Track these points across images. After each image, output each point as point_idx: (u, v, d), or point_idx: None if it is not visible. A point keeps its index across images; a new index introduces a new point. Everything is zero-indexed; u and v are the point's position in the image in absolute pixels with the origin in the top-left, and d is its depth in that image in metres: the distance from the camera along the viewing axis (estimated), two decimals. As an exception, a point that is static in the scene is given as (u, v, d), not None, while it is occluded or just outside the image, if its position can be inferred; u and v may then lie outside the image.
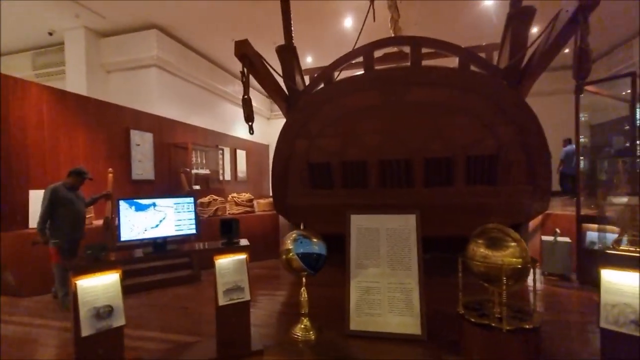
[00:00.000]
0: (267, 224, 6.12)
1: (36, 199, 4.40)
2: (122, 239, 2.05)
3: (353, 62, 4.48)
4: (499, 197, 4.18)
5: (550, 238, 4.12)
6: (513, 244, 2.17)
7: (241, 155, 10.50)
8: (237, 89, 10.84)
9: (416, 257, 2.63)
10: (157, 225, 2.18)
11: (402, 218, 2.76)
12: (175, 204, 2.29)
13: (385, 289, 2.63)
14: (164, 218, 2.22)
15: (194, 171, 7.55)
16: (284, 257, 2.58)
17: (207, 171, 8.09)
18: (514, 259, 2.08)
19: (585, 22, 2.40)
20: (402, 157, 4.18)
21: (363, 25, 4.88)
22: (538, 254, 4.30)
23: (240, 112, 11.71)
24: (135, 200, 2.14)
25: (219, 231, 2.38)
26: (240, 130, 11.18)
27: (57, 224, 3.35)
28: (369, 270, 2.70)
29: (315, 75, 4.44)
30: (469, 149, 3.98)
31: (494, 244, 2.19)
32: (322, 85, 4.26)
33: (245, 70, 3.41)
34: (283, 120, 13.01)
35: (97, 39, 7.22)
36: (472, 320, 2.16)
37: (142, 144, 6.36)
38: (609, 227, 3.42)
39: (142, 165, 6.36)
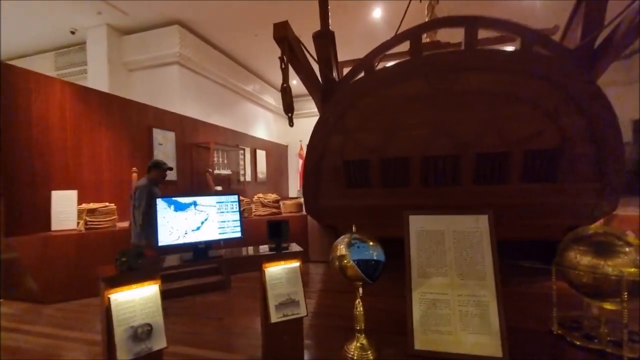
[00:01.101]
0: (295, 226, 5.79)
1: (58, 200, 4.20)
2: (160, 243, 1.75)
3: (388, 52, 4.13)
4: (560, 196, 3.74)
5: (622, 242, 3.64)
6: (628, 249, 1.77)
7: (261, 155, 10.26)
8: (257, 87, 10.62)
9: (492, 264, 2.25)
10: (198, 228, 1.88)
11: (471, 219, 2.38)
12: (218, 203, 1.98)
13: (455, 302, 2.25)
14: (206, 219, 1.91)
15: (215, 171, 7.32)
16: (336, 264, 2.24)
17: (228, 172, 7.85)
18: (634, 269, 1.68)
19: None
20: (449, 153, 3.80)
21: (407, 7, 4.48)
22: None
23: (260, 111, 11.48)
24: (174, 198, 1.84)
25: (267, 234, 2.06)
26: (259, 130, 10.95)
27: (148, 224, 3.11)
28: (433, 279, 2.33)
29: (355, 64, 4.10)
30: (527, 143, 3.57)
31: (604, 250, 1.80)
32: (361, 75, 3.90)
33: (284, 55, 3.09)
34: (303, 120, 12.70)
35: (119, 37, 7.08)
36: (577, 343, 1.77)
37: (164, 144, 6.15)
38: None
39: (165, 165, 6.14)
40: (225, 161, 7.93)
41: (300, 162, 12.13)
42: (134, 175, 4.52)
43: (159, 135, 6.01)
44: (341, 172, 4.39)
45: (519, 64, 3.17)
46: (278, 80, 11.36)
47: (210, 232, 1.91)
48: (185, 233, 1.83)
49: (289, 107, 3.12)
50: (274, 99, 11.72)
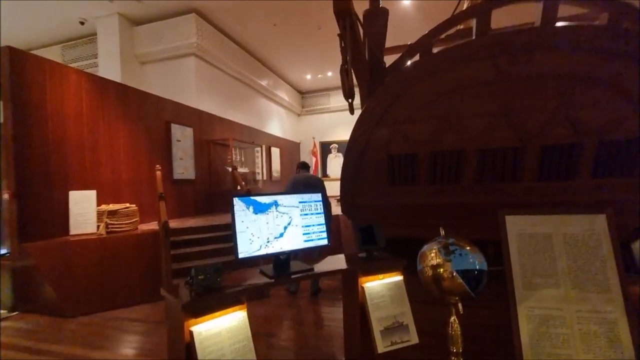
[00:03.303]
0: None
1: (77, 201, 3.83)
2: (241, 255, 1.38)
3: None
4: (632, 193, 3.37)
5: None
6: None
7: (275, 153, 9.88)
8: (271, 82, 10.21)
9: (616, 273, 1.88)
10: (281, 234, 1.50)
11: (585, 219, 2.00)
12: (301, 202, 1.61)
13: (573, 319, 1.88)
14: (289, 223, 1.54)
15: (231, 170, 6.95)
16: (429, 274, 1.86)
17: (245, 170, 7.47)
18: None
19: None
20: (510, 145, 3.42)
21: None
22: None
23: (273, 107, 11.08)
24: (252, 198, 1.46)
25: (357, 241, 1.69)
26: (273, 126, 10.56)
27: None
28: (543, 292, 1.95)
29: (408, 47, 3.72)
30: (603, 133, 3.19)
31: None
32: (415, 59, 3.51)
33: (346, 30, 2.70)
34: (315, 117, 12.31)
35: (131, 27, 6.67)
36: None
37: (182, 140, 5.76)
38: None
39: (183, 164, 5.76)
40: (243, 159, 7.56)
41: (314, 159, 11.75)
42: (158, 173, 4.15)
43: (177, 131, 5.63)
44: (385, 167, 4.00)
45: (605, 42, 2.79)
46: (292, 75, 11.02)
47: (295, 240, 1.53)
48: (268, 241, 1.46)
49: (350, 92, 2.74)
50: (287, 95, 11.33)
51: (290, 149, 11.36)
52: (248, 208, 1.44)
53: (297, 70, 10.46)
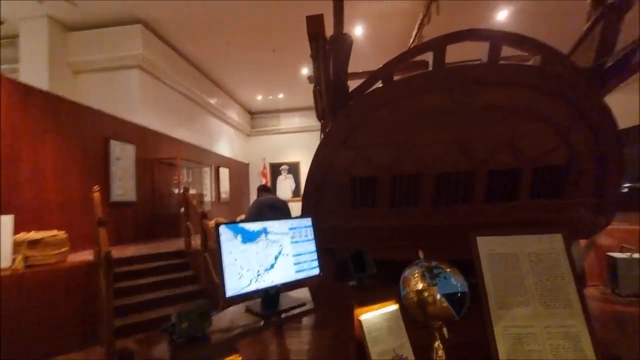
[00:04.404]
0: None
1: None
2: (229, 293, 1.19)
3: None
4: (564, 212, 3.82)
5: (623, 255, 3.80)
6: None
7: (224, 174, 9.45)
8: (221, 101, 9.88)
9: (575, 289, 2.03)
10: (272, 266, 1.34)
11: (544, 239, 2.16)
12: (291, 229, 1.47)
13: (543, 335, 1.97)
14: (279, 252, 1.39)
15: (179, 191, 6.42)
16: (414, 299, 1.83)
17: (194, 191, 6.98)
18: None
19: None
20: (463, 170, 3.68)
21: (420, 26, 4.41)
22: (598, 271, 3.98)
23: (223, 126, 10.69)
24: (240, 225, 1.30)
25: (337, 270, 1.60)
26: (222, 146, 10.13)
27: None
28: (515, 310, 2.03)
29: (370, 74, 3.85)
30: (539, 160, 3.60)
31: None
32: (377, 86, 3.64)
33: (320, 52, 2.69)
34: (266, 137, 12.15)
35: (64, 32, 5.97)
36: None
37: (123, 158, 5.19)
38: None
39: (123, 184, 5.16)
40: (190, 179, 7.06)
41: (264, 181, 11.48)
42: (96, 195, 3.63)
43: (117, 149, 5.06)
44: (347, 190, 4.02)
45: (539, 81, 3.18)
46: (242, 94, 10.82)
47: (286, 271, 1.38)
48: (258, 274, 1.29)
49: (322, 113, 2.71)
50: (236, 114, 11.04)
51: (239, 169, 10.98)
52: (236, 237, 1.27)
53: (248, 91, 10.32)
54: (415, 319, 1.78)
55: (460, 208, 4.07)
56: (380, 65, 3.99)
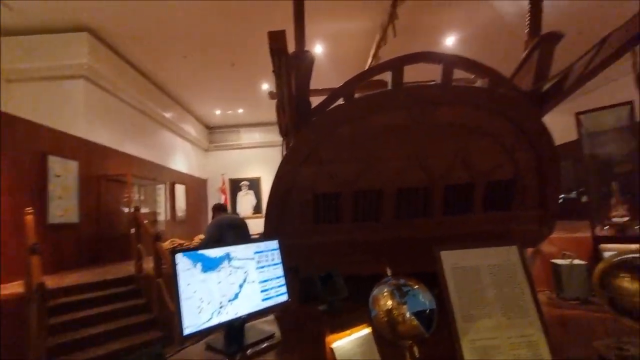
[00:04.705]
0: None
1: None
2: (187, 331, 1.05)
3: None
4: (512, 224, 4.09)
5: (565, 261, 4.12)
6: None
7: (180, 190, 8.97)
8: (177, 115, 9.47)
9: (531, 298, 2.13)
10: (236, 295, 1.23)
11: (502, 251, 2.26)
12: (256, 253, 1.37)
13: (506, 346, 2.02)
14: (244, 280, 1.28)
15: (129, 209, 5.94)
16: (383, 319, 1.79)
17: (146, 210, 6.50)
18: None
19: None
20: (422, 185, 3.81)
21: (378, 47, 4.56)
22: (544, 277, 4.28)
23: (179, 141, 10.23)
24: (200, 252, 1.18)
25: (303, 292, 1.52)
26: (178, 162, 9.64)
27: None
28: (480, 322, 2.07)
29: (332, 91, 3.88)
30: (489, 175, 3.84)
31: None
32: (338, 103, 3.69)
33: (282, 68, 2.65)
34: (225, 153, 11.81)
35: (-5, 37, 5.39)
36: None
37: (63, 175, 4.70)
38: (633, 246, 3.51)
39: (64, 204, 4.66)
40: (142, 197, 6.59)
41: (223, 197, 11.08)
42: (29, 218, 3.21)
43: (56, 165, 4.58)
44: (310, 206, 3.97)
45: (487, 102, 3.42)
46: (200, 108, 10.46)
47: (252, 300, 1.27)
48: (221, 306, 1.17)
49: (286, 129, 2.65)
50: (193, 129, 10.63)
51: (196, 186, 10.50)
52: (195, 265, 1.14)
53: (207, 105, 10.02)
54: (386, 340, 1.74)
55: (420, 222, 4.19)
56: (340, 83, 4.06)
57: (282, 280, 1.43)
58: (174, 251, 1.11)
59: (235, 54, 6.95)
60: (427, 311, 1.82)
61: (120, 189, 5.88)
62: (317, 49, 6.92)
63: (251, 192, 11.55)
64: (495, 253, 2.15)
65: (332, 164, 3.94)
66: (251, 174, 11.67)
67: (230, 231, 3.69)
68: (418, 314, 1.76)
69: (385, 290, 1.90)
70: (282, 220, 3.96)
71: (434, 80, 4.04)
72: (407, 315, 1.73)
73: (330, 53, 7.16)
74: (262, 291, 1.32)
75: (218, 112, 10.59)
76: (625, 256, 1.94)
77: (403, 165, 3.94)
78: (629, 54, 2.71)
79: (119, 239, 5.62)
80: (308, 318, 1.49)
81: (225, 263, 1.24)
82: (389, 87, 3.76)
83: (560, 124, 3.55)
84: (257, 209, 11.47)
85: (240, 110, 10.64)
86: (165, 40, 6.30)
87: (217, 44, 6.55)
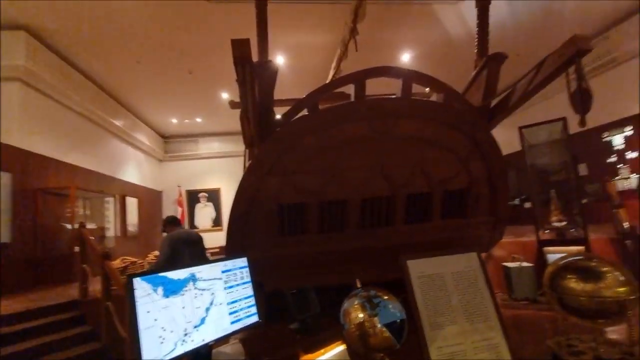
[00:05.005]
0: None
1: None
2: (148, 364, 0.94)
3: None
4: (468, 230, 4.31)
5: (515, 264, 4.42)
6: (608, 269, 2.02)
7: (132, 204, 8.36)
8: (129, 123, 8.88)
9: (492, 303, 2.23)
10: (203, 321, 1.13)
11: (463, 257, 2.35)
12: (224, 272, 1.28)
13: (471, 350, 2.08)
14: (211, 303, 1.18)
15: (73, 226, 5.40)
16: (355, 332, 1.78)
17: (93, 225, 5.96)
18: (625, 288, 1.93)
19: (581, 65, 2.74)
20: (385, 194, 3.90)
21: (339, 60, 4.65)
22: (496, 280, 4.56)
23: (130, 150, 9.66)
24: (161, 275, 1.07)
25: (267, 310, 1.45)
26: (130, 173, 9.01)
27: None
28: (446, 330, 2.13)
29: (296, 102, 3.85)
30: (446, 184, 4.02)
31: (593, 275, 2.01)
32: (302, 114, 3.68)
33: (246, 77, 2.58)
34: (181, 163, 11.34)
35: None
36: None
37: (-8, 190, 4.16)
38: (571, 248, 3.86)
39: (-9, 222, 4.10)
40: (88, 212, 6.03)
41: (180, 209, 10.52)
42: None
43: (-16, 178, 4.04)
44: (275, 218, 3.89)
45: (443, 115, 3.61)
46: (155, 117, 9.91)
47: (220, 324, 1.17)
48: (186, 334, 1.06)
49: (251, 140, 2.56)
50: (148, 138, 10.03)
51: (150, 198, 9.87)
52: (156, 290, 1.03)
53: (162, 113, 9.53)
54: (357, 353, 1.71)
55: (383, 231, 4.29)
56: (301, 94, 4.06)
57: (252, 300, 1.36)
58: (130, 276, 1.00)
59: (194, 61, 6.72)
60: (398, 322, 1.83)
61: (62, 203, 5.33)
62: (279, 59, 6.91)
63: (210, 204, 11.10)
64: (457, 260, 2.23)
65: (297, 174, 3.90)
66: (210, 185, 11.24)
67: (186, 248, 3.48)
68: (389, 325, 1.77)
69: (356, 302, 1.88)
70: (245, 232, 3.82)
71: (394, 94, 4.18)
72: (379, 327, 1.73)
73: (291, 65, 7.19)
74: (230, 313, 1.23)
75: (174, 120, 10.11)
76: (571, 259, 2.11)
77: (366, 176, 4.01)
78: (563, 75, 3.02)
79: (60, 259, 5.06)
80: (280, 339, 1.42)
81: (190, 285, 1.14)
82: (352, 99, 3.82)
83: (504, 137, 3.84)
84: (216, 222, 11.03)
85: (199, 120, 10.27)
86: (116, 44, 5.91)
87: (174, 49, 6.29)
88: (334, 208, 4.09)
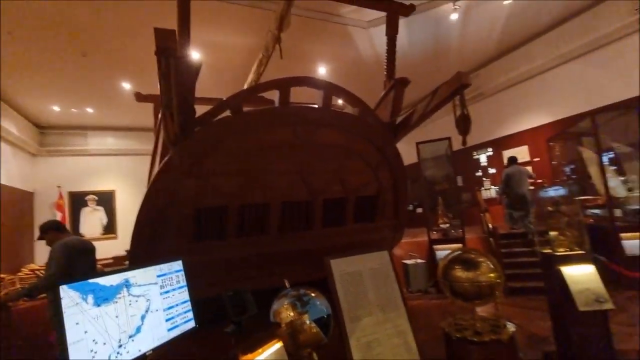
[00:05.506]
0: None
1: None
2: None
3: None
4: (375, 232, 4.80)
5: (411, 261, 5.08)
6: (482, 259, 2.54)
7: (-10, 207, 6.67)
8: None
9: (399, 294, 2.57)
10: (138, 329, 1.04)
11: (377, 256, 2.66)
12: (160, 276, 1.19)
13: (384, 338, 2.36)
14: (147, 309, 1.09)
15: None
16: (287, 331, 1.86)
17: None
18: (494, 274, 2.45)
19: (464, 96, 3.41)
20: (305, 199, 4.05)
21: (260, 65, 4.64)
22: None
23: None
24: (92, 281, 0.95)
25: (199, 312, 1.41)
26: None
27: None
28: (364, 321, 2.36)
29: (218, 102, 3.66)
30: (360, 191, 4.39)
31: (472, 265, 2.50)
32: (225, 115, 3.58)
33: (169, 71, 2.41)
34: (61, 159, 9.68)
35: None
36: (475, 339, 2.31)
37: None
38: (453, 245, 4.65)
39: None
40: None
41: (59, 214, 8.85)
42: None
43: None
44: (191, 222, 3.68)
45: (358, 128, 3.98)
46: (28, 102, 8.18)
47: (157, 331, 1.09)
48: (120, 345, 0.96)
49: (175, 138, 2.39)
50: (15, 127, 8.17)
51: (18, 201, 8.06)
52: (85, 299, 0.92)
53: (39, 98, 7.93)
54: (288, 352, 1.78)
55: (303, 234, 4.45)
56: (218, 94, 3.96)
57: (189, 305, 1.30)
58: (59, 283, 0.87)
59: (91, 42, 5.83)
60: (325, 317, 1.98)
61: None
62: (194, 55, 6.53)
63: (101, 208, 9.63)
64: (372, 258, 2.52)
65: (218, 176, 3.78)
66: (101, 186, 9.76)
67: (82, 257, 3.01)
68: (317, 321, 1.90)
69: (287, 302, 1.97)
70: (156, 239, 3.51)
71: (313, 103, 4.41)
72: (308, 323, 1.84)
73: (207, 62, 6.86)
74: (167, 320, 1.16)
75: (56, 108, 8.50)
76: (457, 253, 2.59)
77: (288, 181, 4.13)
78: (452, 102, 3.68)
79: None
80: (216, 343, 1.40)
81: (124, 291, 1.05)
82: (275, 104, 3.89)
83: (403, 150, 4.43)
84: (108, 229, 9.60)
85: (90, 110, 8.86)
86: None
87: (61, 24, 5.34)
88: (255, 212, 4.08)
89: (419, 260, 5.10)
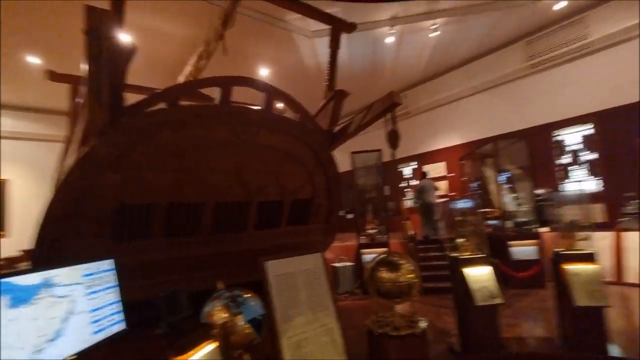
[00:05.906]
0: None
1: None
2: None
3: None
4: (309, 235, 4.93)
5: (341, 264, 5.33)
6: (403, 262, 2.83)
7: None
8: None
9: (329, 294, 2.70)
10: (59, 333, 0.95)
11: (311, 258, 2.76)
12: (86, 276, 1.09)
13: (313, 336, 2.46)
14: (70, 311, 1.00)
15: None
16: (219, 333, 1.85)
17: None
18: (413, 275, 2.74)
19: (394, 113, 3.77)
20: (240, 200, 3.98)
21: (199, 59, 4.44)
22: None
23: None
24: (5, 280, 0.84)
25: (126, 315, 1.34)
26: None
27: None
28: (295, 321, 2.43)
29: (152, 93, 3.34)
30: (295, 194, 4.47)
31: (395, 267, 2.77)
32: (160, 107, 3.35)
33: (100, 53, 2.19)
34: (19, 143, 8.04)
35: None
36: (393, 334, 2.56)
37: None
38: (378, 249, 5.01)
39: None
40: None
41: None
42: None
43: None
44: (111, 220, 3.35)
45: (298, 132, 4.08)
46: None
47: (80, 335, 1.00)
48: (39, 350, 0.87)
49: (102, 129, 2.17)
50: None
51: None
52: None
53: None
54: (220, 353, 1.77)
55: (236, 236, 4.37)
56: (148, 82, 3.74)
57: (118, 307, 1.22)
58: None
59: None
60: (259, 317, 2.01)
61: None
62: (125, 38, 5.95)
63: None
64: (306, 260, 2.62)
65: (147, 171, 3.54)
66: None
67: None
68: (252, 322, 1.93)
69: (219, 304, 1.96)
70: (68, 238, 3.14)
71: (254, 105, 4.41)
72: (240, 324, 1.86)
73: (141, 47, 6.32)
74: (93, 322, 1.08)
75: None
76: (383, 256, 2.83)
77: (224, 180, 4.04)
78: (384, 118, 4.01)
79: None
80: (146, 346, 1.33)
81: (44, 292, 0.95)
82: (215, 102, 3.80)
83: (339, 158, 4.67)
84: (-5, 225, 8.06)
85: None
86: None
87: None
88: (186, 211, 3.89)
89: (348, 263, 5.37)
